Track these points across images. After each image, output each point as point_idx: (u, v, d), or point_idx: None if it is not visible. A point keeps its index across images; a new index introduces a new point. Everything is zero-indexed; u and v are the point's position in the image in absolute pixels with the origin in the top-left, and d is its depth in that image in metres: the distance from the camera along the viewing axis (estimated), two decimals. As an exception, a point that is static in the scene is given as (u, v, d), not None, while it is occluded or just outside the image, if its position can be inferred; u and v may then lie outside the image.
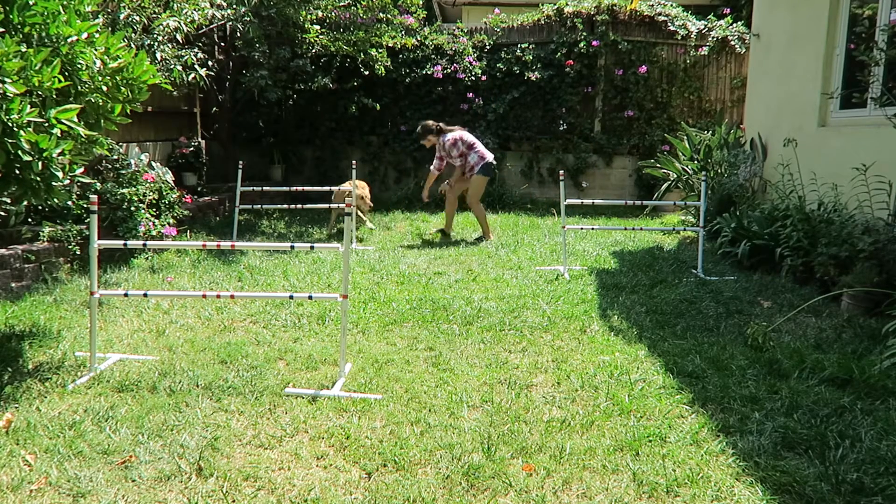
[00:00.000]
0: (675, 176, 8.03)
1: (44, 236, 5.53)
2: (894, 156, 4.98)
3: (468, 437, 2.93)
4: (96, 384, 3.46)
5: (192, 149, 8.96)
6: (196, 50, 7.63)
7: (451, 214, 7.84)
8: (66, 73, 3.45)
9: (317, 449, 2.84)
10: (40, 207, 5.75)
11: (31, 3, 3.33)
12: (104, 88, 3.68)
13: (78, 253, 5.65)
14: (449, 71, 10.36)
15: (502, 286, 5.48)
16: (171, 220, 6.78)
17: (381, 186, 10.87)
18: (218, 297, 4.30)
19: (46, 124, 3.25)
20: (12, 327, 4.29)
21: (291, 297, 3.95)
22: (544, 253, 6.81)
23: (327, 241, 7.54)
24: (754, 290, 5.24)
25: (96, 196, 3.74)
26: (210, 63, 8.61)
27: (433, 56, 10.47)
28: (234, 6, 7.94)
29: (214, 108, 9.76)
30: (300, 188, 7.95)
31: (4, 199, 4.94)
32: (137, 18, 6.24)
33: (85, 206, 5.82)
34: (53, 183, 3.34)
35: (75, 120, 3.38)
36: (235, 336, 4.26)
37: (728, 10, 10.96)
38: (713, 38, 10.04)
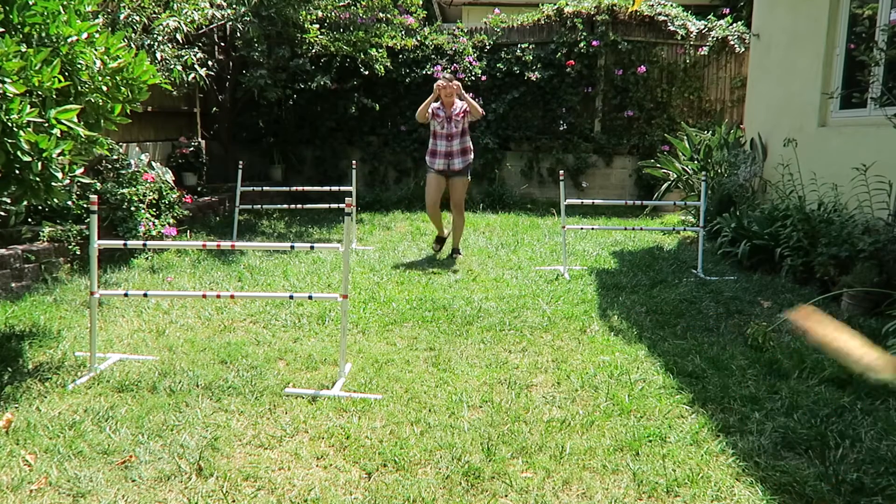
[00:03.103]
0: (675, 176, 8.03)
1: (44, 236, 5.53)
2: (894, 156, 4.98)
3: (468, 437, 2.93)
4: (96, 384, 3.46)
5: (192, 149, 8.96)
6: (196, 50, 7.62)
7: (438, 220, 6.75)
8: (66, 73, 3.45)
9: (317, 449, 2.84)
10: (40, 207, 5.74)
11: (31, 3, 3.33)
12: (104, 88, 3.68)
13: (78, 253, 5.65)
14: (449, 71, 10.36)
15: (502, 286, 5.47)
16: (171, 220, 6.78)
17: (382, 186, 10.87)
18: (218, 297, 4.31)
19: (46, 124, 3.25)
20: (12, 327, 4.28)
21: (291, 297, 3.96)
22: (544, 253, 6.81)
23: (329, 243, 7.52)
24: (754, 290, 5.24)
25: (96, 196, 3.74)
26: (210, 63, 8.61)
27: (433, 56, 10.47)
28: (234, 6, 7.94)
29: (214, 108, 9.76)
30: (300, 188, 7.95)
31: (4, 199, 4.94)
32: (137, 18, 6.24)
33: (85, 206, 5.81)
34: (53, 183, 3.34)
35: (75, 120, 3.38)
36: (235, 336, 4.26)
37: (728, 10, 10.95)
38: (713, 38, 10.03)
